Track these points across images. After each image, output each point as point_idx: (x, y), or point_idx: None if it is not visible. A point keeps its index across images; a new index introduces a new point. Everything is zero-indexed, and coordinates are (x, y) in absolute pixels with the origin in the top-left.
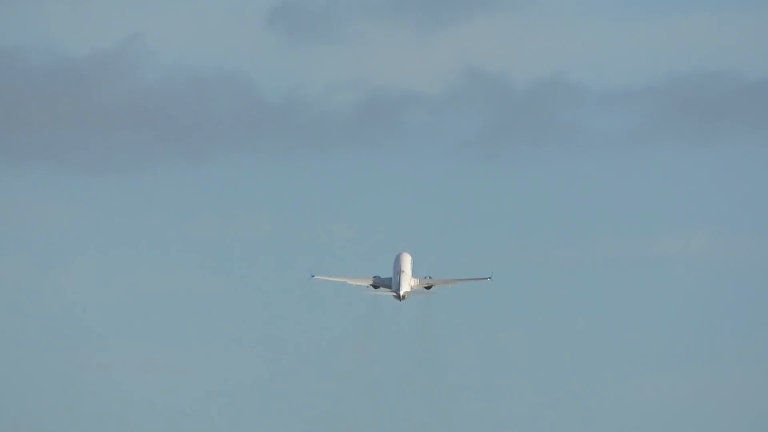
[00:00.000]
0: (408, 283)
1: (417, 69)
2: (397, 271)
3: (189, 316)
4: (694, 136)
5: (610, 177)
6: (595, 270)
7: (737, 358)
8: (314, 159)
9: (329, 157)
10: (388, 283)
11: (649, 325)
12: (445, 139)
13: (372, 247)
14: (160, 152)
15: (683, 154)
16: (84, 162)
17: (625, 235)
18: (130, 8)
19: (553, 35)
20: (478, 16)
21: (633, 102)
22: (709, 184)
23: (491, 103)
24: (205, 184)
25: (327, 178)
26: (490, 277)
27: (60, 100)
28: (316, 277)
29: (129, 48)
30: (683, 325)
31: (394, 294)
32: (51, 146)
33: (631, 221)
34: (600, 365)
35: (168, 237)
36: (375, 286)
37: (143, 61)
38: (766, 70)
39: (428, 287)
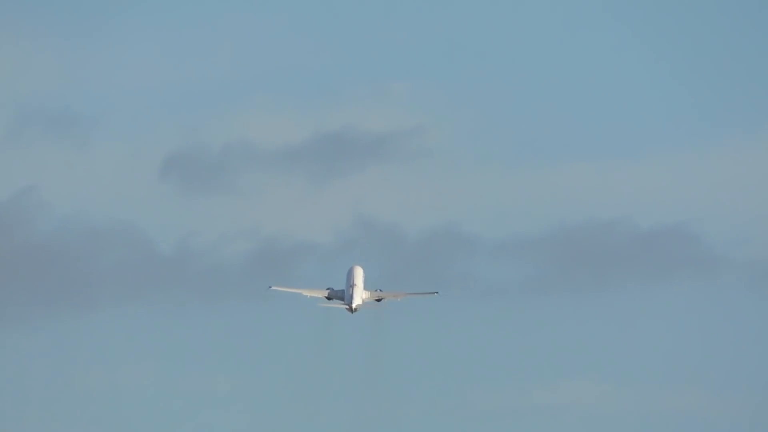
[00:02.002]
0: (360, 296)
1: (310, 219)
2: (350, 284)
3: None
4: (588, 286)
5: (502, 327)
6: (482, 420)
7: None
8: (206, 310)
9: (221, 308)
10: (341, 295)
11: None
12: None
13: None
14: (51, 304)
15: (576, 303)
16: None
17: (518, 385)
18: (24, 160)
19: (445, 185)
20: (371, 166)
21: (526, 251)
22: (602, 334)
23: (384, 253)
24: (97, 336)
25: (219, 329)
26: (437, 292)
27: None
28: (273, 287)
29: (23, 200)
30: None
31: (347, 306)
32: None
33: (524, 370)
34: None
35: (59, 389)
36: (329, 298)
37: (37, 213)
38: (659, 218)
39: (379, 300)
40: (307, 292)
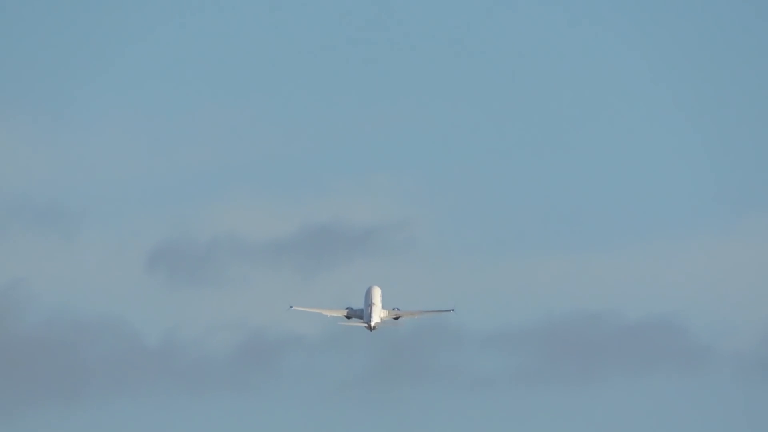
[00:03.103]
0: (378, 314)
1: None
2: (368, 303)
3: None
4: (575, 378)
5: (489, 419)
6: None
7: None
8: (193, 402)
9: (208, 400)
10: (360, 314)
11: None
12: (325, 381)
13: None
14: (37, 396)
15: (564, 395)
16: None
17: None
18: (10, 253)
19: (431, 276)
20: (358, 259)
21: (513, 343)
22: (590, 426)
23: (371, 344)
24: (84, 429)
25: (205, 420)
26: (453, 309)
27: None
28: (293, 307)
29: (9, 293)
30: None
31: (366, 324)
32: None
33: None
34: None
35: None
36: (348, 317)
37: (23, 306)
38: (646, 310)
39: (396, 318)
40: (326, 312)
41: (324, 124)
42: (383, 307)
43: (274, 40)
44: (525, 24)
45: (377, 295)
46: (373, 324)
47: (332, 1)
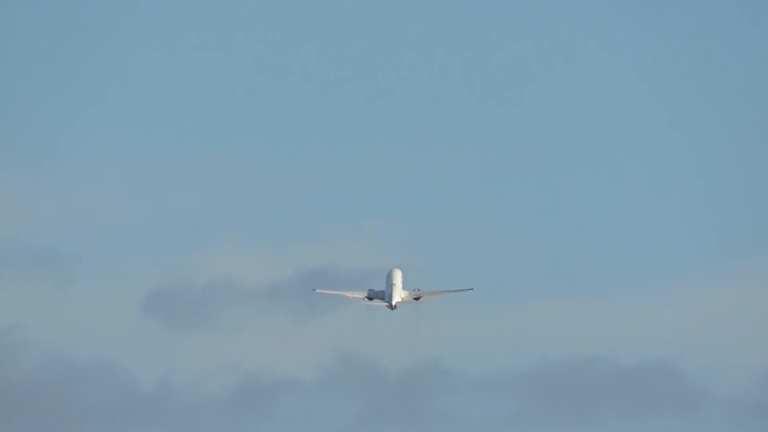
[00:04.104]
0: (399, 294)
1: (291, 355)
2: (389, 284)
3: None
4: (570, 423)
5: None
6: None
7: None
8: None
9: None
10: (381, 295)
11: None
12: (320, 426)
13: None
14: None
15: None
16: None
17: None
18: (7, 299)
19: (424, 321)
20: (351, 304)
21: (507, 388)
22: None
23: (365, 389)
24: None
25: None
26: (472, 289)
27: None
28: (317, 290)
29: (4, 338)
30: None
31: (387, 304)
32: None
33: None
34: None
35: None
36: (370, 298)
37: (18, 351)
38: (641, 355)
39: (417, 298)
40: (349, 294)
41: (318, 169)
42: (404, 288)
43: (268, 86)
44: (514, 72)
45: (398, 276)
46: (394, 303)
47: (323, 49)
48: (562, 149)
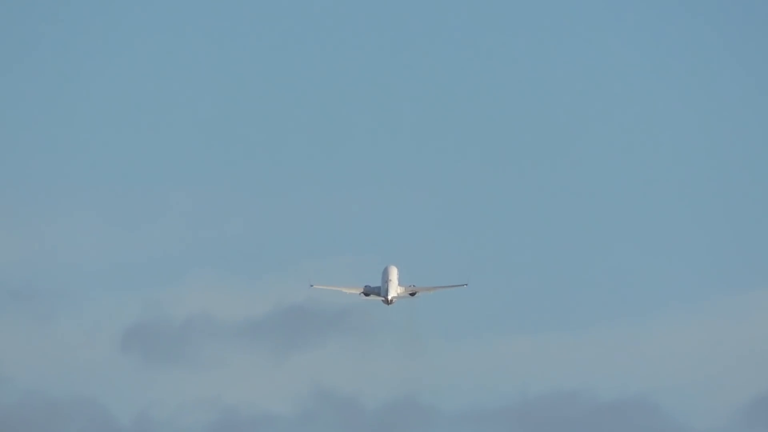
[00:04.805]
0: (395, 289)
1: (270, 390)
2: (385, 279)
3: None
4: None
5: None
6: None
7: None
8: None
9: None
10: (377, 291)
11: None
12: None
13: None
14: None
15: None
16: None
17: None
18: None
19: (403, 356)
20: (331, 340)
21: (486, 423)
22: None
23: (344, 424)
24: None
25: None
26: (466, 284)
27: None
28: (314, 286)
29: None
30: None
31: (383, 299)
32: None
33: None
34: None
35: None
36: (366, 294)
37: None
38: (621, 390)
39: (412, 294)
40: (345, 290)
41: (293, 206)
42: (399, 284)
43: (245, 122)
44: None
45: (394, 272)
46: (390, 297)
47: (295, 87)
48: (540, 187)
